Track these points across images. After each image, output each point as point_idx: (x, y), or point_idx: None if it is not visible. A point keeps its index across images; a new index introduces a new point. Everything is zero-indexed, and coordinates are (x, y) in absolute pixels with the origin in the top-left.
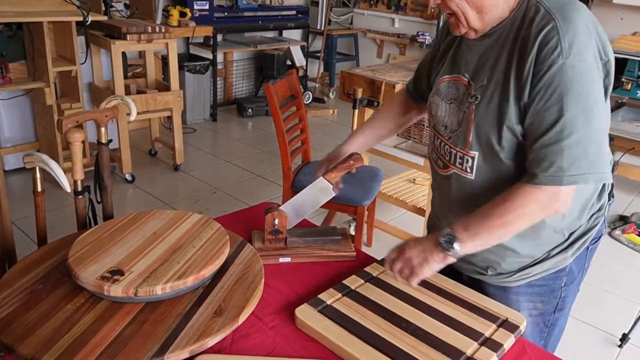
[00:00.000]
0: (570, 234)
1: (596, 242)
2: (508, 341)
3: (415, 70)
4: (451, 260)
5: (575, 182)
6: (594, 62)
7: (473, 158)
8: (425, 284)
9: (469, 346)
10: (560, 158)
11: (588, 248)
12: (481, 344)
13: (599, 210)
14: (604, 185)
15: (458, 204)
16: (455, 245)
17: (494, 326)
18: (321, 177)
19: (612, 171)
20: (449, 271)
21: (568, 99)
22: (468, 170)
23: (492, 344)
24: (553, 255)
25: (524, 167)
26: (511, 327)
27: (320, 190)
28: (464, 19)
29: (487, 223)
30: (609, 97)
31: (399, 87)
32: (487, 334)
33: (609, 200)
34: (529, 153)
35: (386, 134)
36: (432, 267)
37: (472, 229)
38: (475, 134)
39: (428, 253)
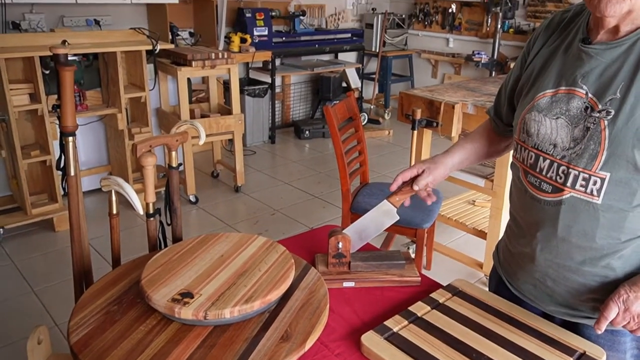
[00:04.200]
0: None
1: None
2: None
3: (495, 95)
4: None
5: None
6: None
7: (603, 179)
8: (494, 312)
9: None
10: None
11: None
12: None
13: None
14: None
15: (568, 233)
16: None
17: None
18: (385, 200)
19: None
20: (540, 315)
21: None
22: (594, 193)
23: None
24: None
25: None
26: None
27: (383, 214)
28: None
29: None
30: None
31: (458, 108)
32: None
33: None
34: None
35: (480, 156)
36: None
37: None
38: (611, 152)
39: None
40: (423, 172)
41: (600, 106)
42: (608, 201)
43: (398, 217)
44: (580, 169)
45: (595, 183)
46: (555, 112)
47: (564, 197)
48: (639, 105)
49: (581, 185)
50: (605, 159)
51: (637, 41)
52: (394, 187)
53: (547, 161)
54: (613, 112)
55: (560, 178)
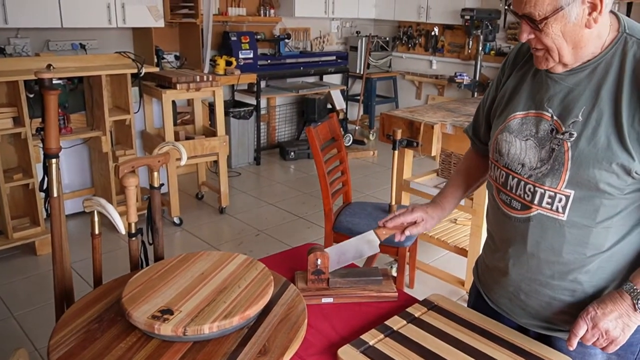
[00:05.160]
0: None
1: None
2: None
3: (473, 115)
4: None
5: None
6: None
7: (567, 197)
8: (469, 325)
9: None
10: None
11: None
12: None
13: None
14: None
15: (537, 248)
16: None
17: None
18: (372, 230)
19: None
20: (516, 328)
21: None
22: (560, 210)
23: None
24: None
25: (629, 205)
26: None
27: (367, 243)
28: (557, 55)
29: None
30: None
31: (437, 128)
32: None
33: None
34: None
35: (470, 187)
36: (632, 330)
37: None
38: (574, 172)
39: (626, 319)
40: (422, 220)
41: (564, 128)
42: (573, 218)
43: (378, 250)
44: (546, 188)
45: (560, 200)
46: (525, 133)
47: (532, 214)
48: (600, 128)
49: (547, 203)
50: (569, 178)
51: (597, 67)
52: (390, 225)
53: (516, 180)
54: (575, 134)
55: (528, 196)
